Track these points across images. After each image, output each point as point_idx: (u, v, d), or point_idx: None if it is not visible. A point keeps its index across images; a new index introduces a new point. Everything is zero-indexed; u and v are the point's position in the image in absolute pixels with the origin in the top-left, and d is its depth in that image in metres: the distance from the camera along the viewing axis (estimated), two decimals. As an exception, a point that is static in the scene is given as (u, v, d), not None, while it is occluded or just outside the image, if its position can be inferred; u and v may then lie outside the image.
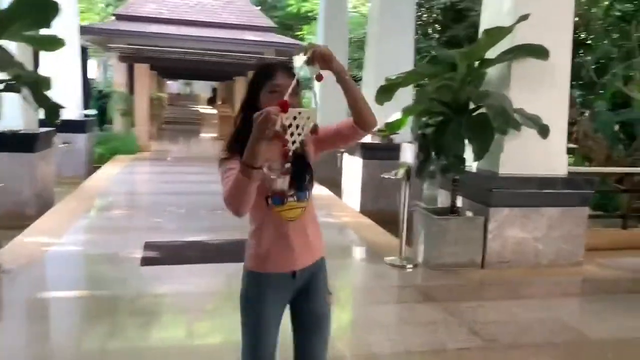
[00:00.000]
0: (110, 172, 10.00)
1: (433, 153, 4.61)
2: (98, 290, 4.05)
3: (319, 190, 8.85)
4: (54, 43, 4.41)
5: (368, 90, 8.61)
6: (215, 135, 19.80)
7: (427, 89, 4.43)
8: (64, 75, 10.52)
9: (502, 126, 4.18)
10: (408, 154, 4.70)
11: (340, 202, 8.17)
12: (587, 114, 9.47)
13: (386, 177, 7.18)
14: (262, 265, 1.88)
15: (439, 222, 4.73)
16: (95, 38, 16.55)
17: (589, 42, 11.05)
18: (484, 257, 4.85)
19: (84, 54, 19.95)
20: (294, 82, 1.70)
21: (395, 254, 5.06)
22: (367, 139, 8.38)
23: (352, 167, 8.60)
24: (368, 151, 8.16)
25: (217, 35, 15.67)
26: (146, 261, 4.70)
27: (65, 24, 10.58)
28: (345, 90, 1.82)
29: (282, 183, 1.83)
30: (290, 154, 1.71)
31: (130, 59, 13.34)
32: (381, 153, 7.90)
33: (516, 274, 4.75)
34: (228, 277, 4.35)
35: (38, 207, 6.83)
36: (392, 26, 8.37)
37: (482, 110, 4.58)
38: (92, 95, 21.34)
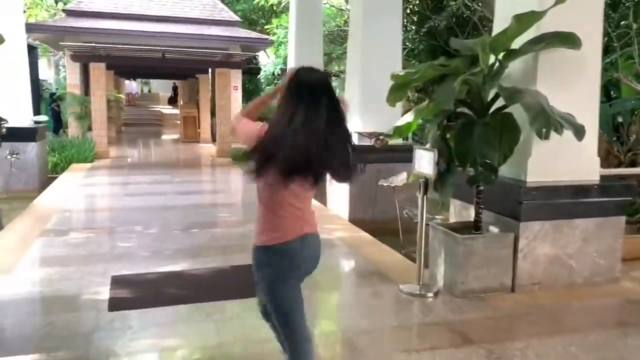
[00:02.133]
0: (65, 184, 8.97)
1: (455, 161, 3.91)
2: (53, 353, 3.17)
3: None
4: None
5: (352, 86, 7.90)
6: (177, 136, 18.75)
7: (449, 87, 3.72)
8: (9, 78, 9.43)
9: (543, 128, 3.51)
10: (424, 161, 3.98)
11: (327, 212, 7.43)
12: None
13: (384, 185, 6.54)
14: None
15: (464, 241, 4.03)
16: (45, 36, 15.32)
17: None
18: (514, 280, 4.20)
19: (33, 53, 18.56)
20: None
21: (408, 278, 4.36)
22: (355, 140, 7.66)
23: (339, 172, 7.85)
24: (358, 155, 7.41)
25: (179, 31, 14.67)
26: (115, 304, 3.84)
27: (8, 21, 9.48)
28: None
29: None
30: None
31: (84, 58, 12.21)
32: (373, 157, 7.19)
33: (551, 298, 4.11)
34: (216, 323, 3.56)
35: (-20, 232, 5.87)
36: (377, 10, 7.61)
37: (507, 109, 3.95)
38: (44, 98, 20.05)
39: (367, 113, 7.62)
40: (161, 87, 36.90)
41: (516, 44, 4.03)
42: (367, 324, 3.67)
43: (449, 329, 3.57)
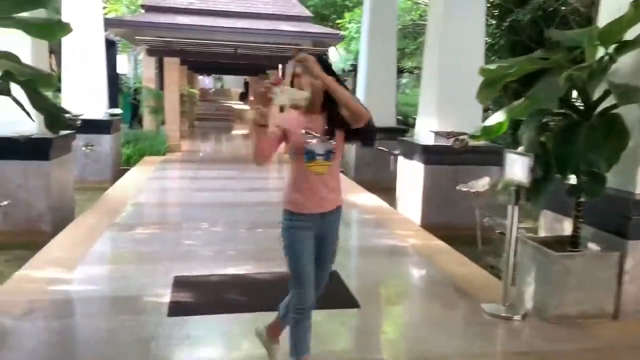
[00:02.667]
0: (136, 177, 9.06)
1: (555, 168, 3.42)
2: None
3: (369, 200, 7.73)
4: (56, 29, 3.37)
5: (429, 83, 7.44)
6: (247, 132, 18.85)
7: (552, 83, 3.24)
8: (86, 71, 9.65)
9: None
10: (517, 167, 3.53)
11: (397, 215, 7.02)
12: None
13: (464, 189, 6.06)
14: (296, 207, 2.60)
15: (560, 260, 3.54)
16: (123, 31, 15.75)
17: None
18: (618, 305, 3.66)
19: (112, 48, 19.22)
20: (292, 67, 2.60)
21: (490, 295, 3.91)
22: (430, 141, 7.21)
23: (411, 173, 7.43)
24: (432, 155, 6.98)
25: (252, 27, 14.64)
26: (175, 309, 3.65)
27: (89, 14, 9.72)
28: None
29: (312, 145, 2.53)
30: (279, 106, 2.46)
31: (159, 53, 12.40)
32: (450, 158, 6.73)
33: (662, 329, 3.55)
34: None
35: (55, 221, 5.92)
36: (459, 1, 7.10)
37: (615, 110, 3.42)
38: (123, 92, 20.65)
39: (444, 111, 7.14)
40: (233, 83, 37.50)
41: (629, 35, 3.49)
42: (442, 347, 3.27)
43: (541, 360, 3.12)
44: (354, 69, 16.05)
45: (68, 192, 6.77)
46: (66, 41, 9.60)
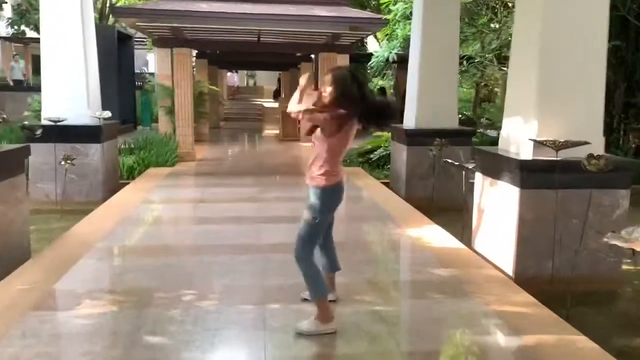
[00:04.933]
0: (126, 200, 7.04)
1: None
2: None
3: (434, 236, 5.49)
4: None
5: (522, 74, 5.10)
6: (277, 132, 16.77)
7: None
8: (68, 67, 7.70)
9: None
10: None
11: (486, 269, 4.71)
12: None
13: (609, 242, 3.72)
14: None
15: None
16: (135, 22, 13.87)
17: None
18: None
19: (127, 42, 17.42)
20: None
21: None
22: (528, 153, 4.94)
23: (496, 199, 5.19)
24: (532, 175, 4.73)
25: (277, 12, 12.53)
26: None
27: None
28: None
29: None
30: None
31: (167, 43, 10.42)
32: (560, 179, 4.49)
33: None
34: None
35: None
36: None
37: None
38: (147, 91, 18.65)
39: (548, 112, 4.87)
40: (266, 80, 35.51)
41: None
42: None
43: None
44: (401, 59, 13.71)
45: (15, 228, 4.80)
46: (45, 31, 7.70)
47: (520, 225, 4.79)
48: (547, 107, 4.87)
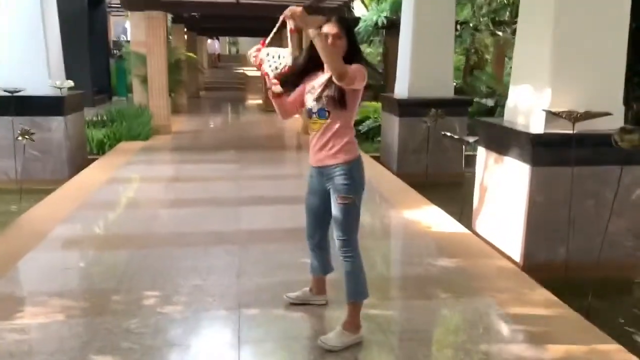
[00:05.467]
0: (92, 178, 6.39)
1: None
2: None
3: (433, 218, 4.94)
4: None
5: (535, 33, 4.43)
6: (260, 102, 16.03)
7: None
8: (22, 31, 6.91)
9: None
10: None
11: (495, 260, 4.17)
12: None
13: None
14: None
15: None
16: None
17: None
18: None
19: (99, 7, 16.35)
20: (276, 27, 2.57)
21: None
22: (540, 126, 4.37)
23: (503, 177, 4.65)
24: (545, 151, 4.19)
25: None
26: None
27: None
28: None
29: (310, 102, 2.70)
30: (271, 79, 2.61)
31: (137, 5, 9.57)
32: (578, 153, 3.97)
33: None
34: None
35: None
36: None
37: None
38: (123, 59, 17.57)
39: (563, 80, 4.28)
40: (250, 47, 34.12)
41: None
42: None
43: None
44: (390, 23, 12.94)
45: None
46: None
47: (530, 206, 4.26)
48: (562, 74, 4.29)
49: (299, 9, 2.45)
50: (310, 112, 2.71)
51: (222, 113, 15.14)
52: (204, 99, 17.91)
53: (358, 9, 20.17)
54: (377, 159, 8.03)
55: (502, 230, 4.61)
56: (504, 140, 4.61)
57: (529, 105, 4.50)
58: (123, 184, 6.33)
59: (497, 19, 11.73)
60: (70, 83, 7.02)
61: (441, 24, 7.59)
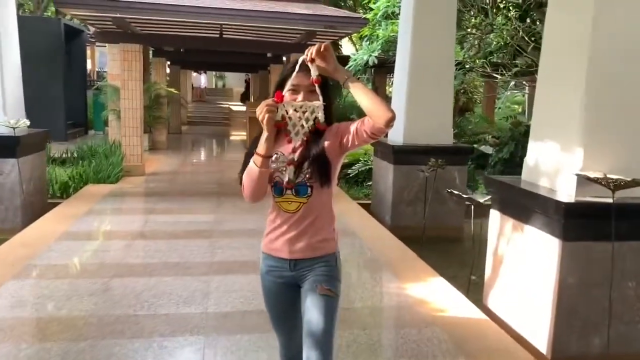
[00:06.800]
0: (42, 233, 5.52)
1: None
2: None
3: (442, 295, 4.16)
4: None
5: (563, 79, 3.76)
6: (244, 137, 15.36)
7: None
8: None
9: None
10: None
11: (505, 340, 3.39)
12: None
13: None
14: (266, 246, 2.09)
15: None
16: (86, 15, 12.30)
17: None
18: None
19: (78, 38, 15.68)
20: (294, 73, 1.94)
21: None
22: (570, 192, 3.67)
23: (525, 252, 3.92)
24: (580, 223, 3.49)
25: (241, 8, 11.12)
26: None
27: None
28: (351, 92, 1.90)
29: (286, 174, 1.96)
30: (297, 144, 1.97)
31: (111, 37, 8.90)
32: (618, 226, 3.27)
33: None
34: None
35: None
36: None
37: None
38: (101, 92, 16.81)
39: (597, 139, 3.61)
40: (237, 82, 33.85)
41: None
42: None
43: None
44: (381, 63, 12.40)
45: None
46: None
47: (560, 288, 3.51)
48: (597, 129, 3.61)
49: (327, 44, 1.89)
50: (280, 187, 2.01)
51: (204, 150, 14.36)
52: (185, 134, 17.16)
53: (345, 48, 19.84)
54: (366, 206, 7.28)
55: (524, 314, 3.85)
56: (525, 205, 3.89)
57: (554, 165, 3.81)
58: (76, 241, 5.39)
59: (492, 60, 11.24)
60: (26, 122, 6.22)
61: (439, 65, 6.97)
